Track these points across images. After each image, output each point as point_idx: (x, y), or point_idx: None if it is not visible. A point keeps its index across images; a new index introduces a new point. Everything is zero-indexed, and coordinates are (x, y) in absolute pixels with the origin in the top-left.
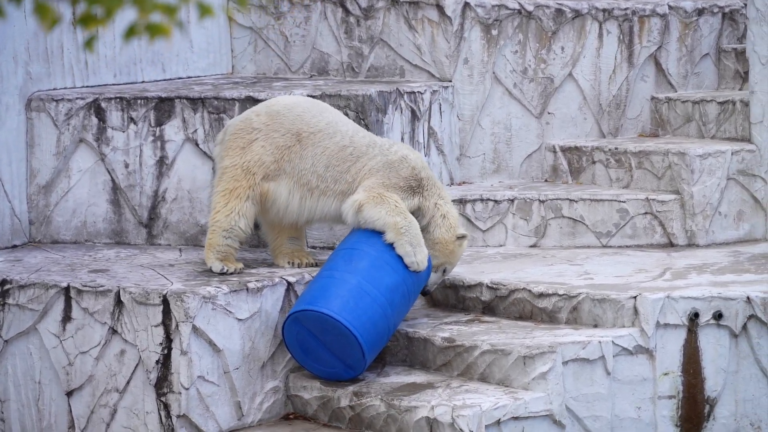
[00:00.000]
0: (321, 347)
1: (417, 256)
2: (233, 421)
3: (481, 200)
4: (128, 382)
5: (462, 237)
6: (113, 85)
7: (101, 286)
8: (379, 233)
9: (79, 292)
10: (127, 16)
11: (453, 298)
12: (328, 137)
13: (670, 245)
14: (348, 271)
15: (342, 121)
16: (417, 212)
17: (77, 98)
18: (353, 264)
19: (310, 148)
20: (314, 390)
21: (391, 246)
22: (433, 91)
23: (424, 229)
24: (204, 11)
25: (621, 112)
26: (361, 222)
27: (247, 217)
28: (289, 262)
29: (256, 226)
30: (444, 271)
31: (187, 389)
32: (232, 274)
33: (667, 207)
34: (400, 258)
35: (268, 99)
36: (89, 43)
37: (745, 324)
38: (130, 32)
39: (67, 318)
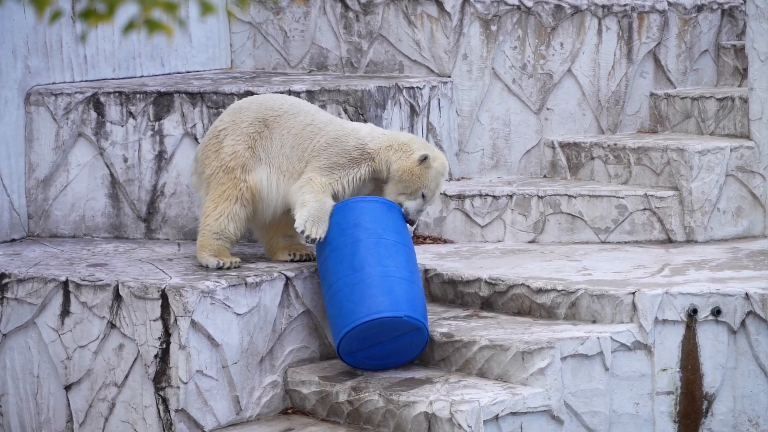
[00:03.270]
0: (385, 345)
1: (307, 230)
2: (231, 415)
3: (480, 196)
4: (127, 377)
5: (424, 158)
6: (112, 79)
7: (100, 280)
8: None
9: (78, 286)
10: (127, 10)
11: (451, 294)
12: (293, 117)
13: (669, 241)
14: (331, 284)
15: (305, 103)
16: (375, 174)
17: (76, 92)
18: (330, 274)
19: (277, 131)
20: (313, 385)
21: (348, 216)
22: (432, 86)
23: (388, 176)
24: (206, 9)
25: (620, 108)
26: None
27: (237, 221)
28: (289, 254)
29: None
30: (423, 196)
31: (185, 383)
32: (229, 268)
33: (665, 203)
34: (354, 222)
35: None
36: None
37: (743, 320)
38: (130, 27)
39: (65, 312)
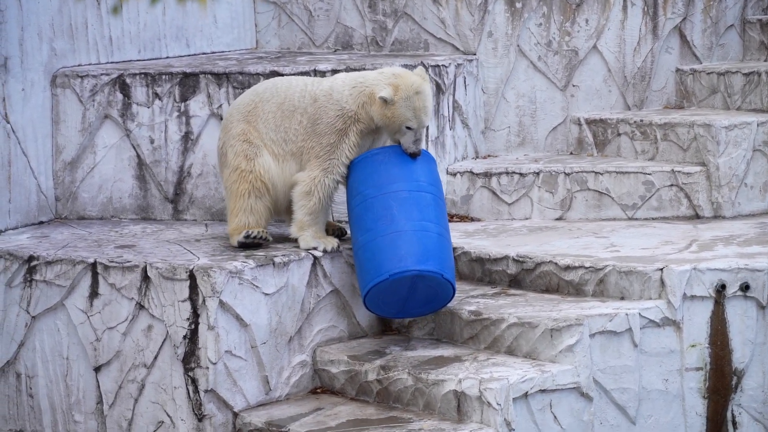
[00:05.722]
0: (412, 296)
1: (320, 246)
2: (261, 395)
3: (507, 173)
4: (156, 358)
5: (383, 100)
6: (138, 60)
7: (128, 261)
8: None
9: (106, 267)
10: None
11: (479, 272)
12: (266, 102)
13: (696, 217)
14: (368, 229)
15: (279, 82)
16: (366, 132)
17: (102, 74)
18: (353, 231)
19: (258, 122)
20: (342, 364)
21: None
22: (458, 64)
23: (378, 126)
24: None
25: (646, 84)
26: None
27: (255, 214)
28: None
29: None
30: (409, 128)
31: (214, 364)
32: (257, 236)
33: (692, 179)
34: (351, 189)
35: (293, 73)
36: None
37: None
38: None
39: (94, 294)
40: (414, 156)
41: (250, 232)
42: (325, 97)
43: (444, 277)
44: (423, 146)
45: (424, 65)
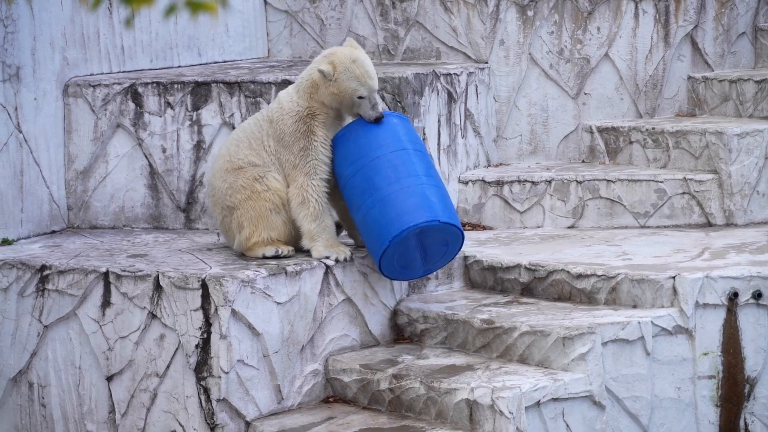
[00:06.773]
0: (427, 250)
1: (332, 255)
2: (273, 404)
3: (519, 182)
4: (168, 367)
5: (322, 74)
6: (149, 70)
7: (140, 270)
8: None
9: (119, 277)
10: None
11: (491, 280)
12: (235, 153)
13: (708, 225)
14: (359, 207)
15: (233, 134)
16: (328, 122)
17: (114, 83)
18: (349, 198)
19: (241, 163)
20: (354, 373)
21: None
22: (470, 72)
23: (335, 110)
24: None
25: (658, 92)
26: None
27: (277, 228)
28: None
29: None
30: (362, 98)
31: (226, 373)
32: (286, 256)
33: (704, 186)
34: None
35: None
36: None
37: None
38: (171, 10)
39: (106, 303)
40: (377, 121)
41: (279, 251)
42: (278, 113)
43: (441, 222)
44: (384, 108)
45: (436, 74)
